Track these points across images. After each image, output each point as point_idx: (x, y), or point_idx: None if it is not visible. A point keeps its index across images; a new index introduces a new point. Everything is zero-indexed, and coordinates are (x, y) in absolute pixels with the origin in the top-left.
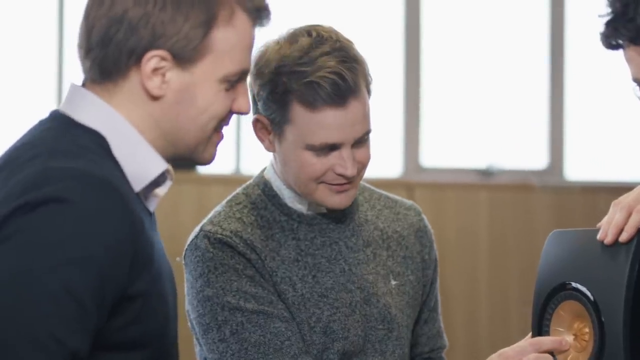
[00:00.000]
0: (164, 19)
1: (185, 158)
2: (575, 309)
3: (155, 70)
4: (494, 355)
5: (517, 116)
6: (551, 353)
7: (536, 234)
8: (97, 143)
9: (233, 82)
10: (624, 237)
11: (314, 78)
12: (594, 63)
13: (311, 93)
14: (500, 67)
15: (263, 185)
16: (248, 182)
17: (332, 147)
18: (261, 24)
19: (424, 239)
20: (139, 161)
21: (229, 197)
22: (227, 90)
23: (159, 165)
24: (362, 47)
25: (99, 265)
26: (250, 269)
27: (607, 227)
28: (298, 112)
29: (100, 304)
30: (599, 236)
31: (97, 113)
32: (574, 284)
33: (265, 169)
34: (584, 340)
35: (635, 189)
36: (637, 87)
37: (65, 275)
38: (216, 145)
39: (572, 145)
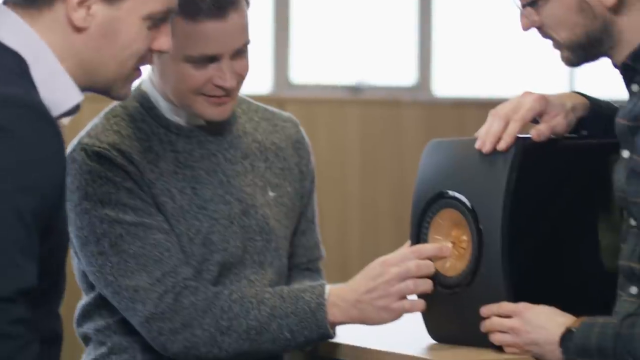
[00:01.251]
0: None
1: (100, 92)
2: (453, 217)
3: (81, 2)
4: (374, 263)
5: (386, 33)
6: (431, 260)
7: (406, 149)
8: (16, 64)
9: (157, 20)
10: (501, 146)
11: None
12: None
13: (191, 5)
14: None
15: (140, 98)
16: None
17: (211, 59)
18: None
19: (301, 150)
20: (57, 89)
21: (106, 110)
22: (149, 28)
23: (76, 96)
24: None
25: (42, 194)
26: (128, 181)
27: (485, 136)
28: (177, 23)
29: (39, 233)
30: (477, 145)
31: (18, 34)
32: (452, 193)
33: (142, 81)
34: (462, 248)
35: (511, 99)
36: None
37: (14, 202)
38: (132, 82)
39: (440, 62)
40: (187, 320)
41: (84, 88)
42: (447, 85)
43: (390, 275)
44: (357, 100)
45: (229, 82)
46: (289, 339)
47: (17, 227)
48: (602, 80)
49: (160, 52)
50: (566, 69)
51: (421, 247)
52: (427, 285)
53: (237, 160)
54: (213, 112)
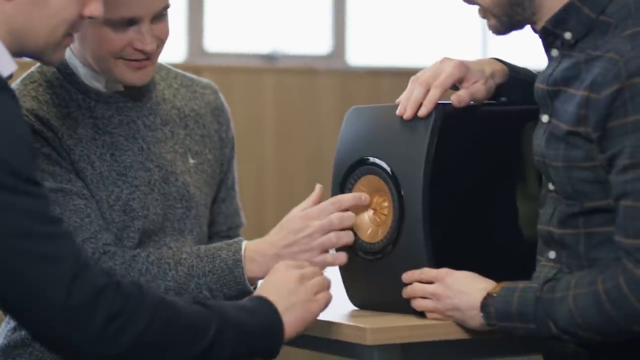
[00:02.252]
0: None
1: (31, 57)
2: (374, 183)
3: None
4: (293, 217)
5: (300, 1)
6: (351, 229)
7: (321, 117)
8: None
9: None
10: (422, 112)
11: None
12: None
13: None
14: None
15: (59, 64)
16: None
17: (131, 22)
18: None
19: (221, 117)
20: None
21: (23, 76)
22: None
23: (10, 65)
24: None
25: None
26: (46, 147)
27: (406, 103)
28: None
29: None
30: (397, 111)
31: None
32: (372, 159)
33: None
34: (383, 214)
35: (432, 66)
36: None
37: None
38: (64, 49)
39: (355, 31)
40: None
41: (14, 54)
42: (362, 53)
43: (312, 228)
44: (272, 69)
45: (149, 46)
46: (208, 298)
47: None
48: (515, 49)
49: (91, 19)
50: (479, 37)
51: (341, 198)
52: (349, 237)
53: (157, 127)
54: (133, 76)
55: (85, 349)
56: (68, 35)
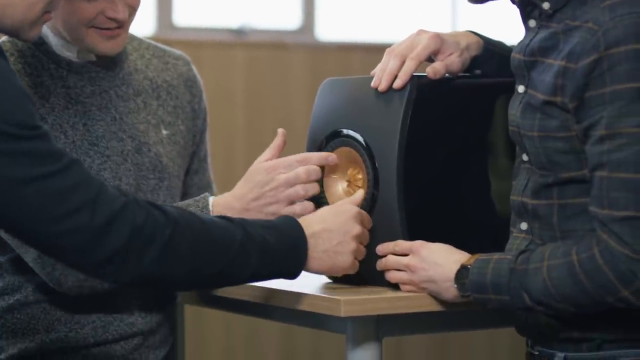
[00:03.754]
0: None
1: (8, 33)
2: (349, 155)
3: None
4: (259, 170)
5: None
6: (325, 201)
7: (292, 92)
8: None
9: None
10: (397, 84)
11: None
12: None
13: None
14: None
15: None
16: None
17: None
18: None
19: (193, 88)
20: None
21: None
22: None
23: None
24: None
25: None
26: None
27: (381, 74)
28: None
29: None
30: (372, 83)
31: None
32: (347, 131)
33: None
34: (358, 186)
35: (407, 38)
36: None
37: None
38: (42, 25)
39: (325, 5)
40: None
41: None
42: (331, 28)
43: (278, 181)
44: (241, 43)
45: (121, 14)
46: None
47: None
48: (484, 25)
49: None
50: (449, 11)
51: (308, 156)
52: (315, 189)
53: (130, 97)
54: (106, 45)
55: (115, 266)
56: (46, 12)
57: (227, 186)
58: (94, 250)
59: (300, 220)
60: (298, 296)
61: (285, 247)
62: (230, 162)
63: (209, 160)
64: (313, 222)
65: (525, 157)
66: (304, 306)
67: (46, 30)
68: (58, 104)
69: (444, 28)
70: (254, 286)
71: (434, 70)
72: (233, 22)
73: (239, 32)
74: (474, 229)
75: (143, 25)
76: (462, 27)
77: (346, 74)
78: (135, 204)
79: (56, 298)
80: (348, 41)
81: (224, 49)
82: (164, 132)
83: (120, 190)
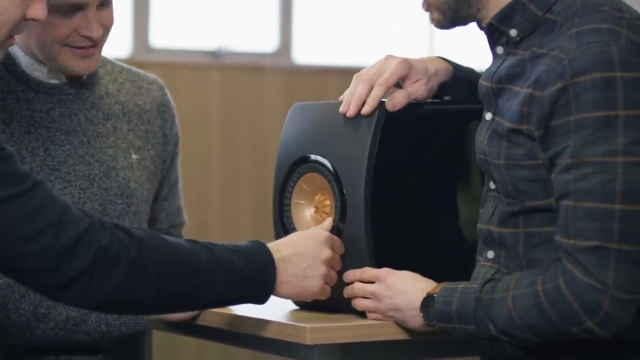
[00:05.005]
0: None
1: None
2: (316, 181)
3: None
4: None
5: None
6: (292, 227)
7: (267, 115)
8: None
9: None
10: (366, 110)
11: None
12: None
13: None
14: None
15: None
16: None
17: (77, 8)
18: None
19: (166, 113)
20: None
21: None
22: None
23: None
24: None
25: None
26: None
27: (349, 100)
28: None
29: None
30: (340, 109)
31: None
32: (315, 157)
33: None
34: (325, 213)
35: (376, 63)
36: None
37: None
38: (6, 49)
39: (302, 28)
40: None
41: None
42: (308, 51)
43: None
44: (218, 65)
45: (95, 32)
46: None
47: None
48: (461, 50)
49: (35, 21)
50: (426, 36)
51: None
52: None
53: (99, 121)
54: (79, 65)
55: (79, 288)
56: (10, 37)
57: (201, 208)
58: (59, 271)
59: (270, 245)
60: (265, 323)
61: (253, 271)
62: (205, 185)
63: (180, 186)
64: (282, 247)
65: (492, 185)
66: (271, 333)
67: (17, 50)
68: (19, 128)
69: (421, 51)
70: (222, 312)
71: (393, 103)
72: (210, 44)
73: (216, 54)
74: (443, 256)
75: (119, 46)
76: (439, 50)
77: (322, 97)
78: (100, 226)
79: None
80: (324, 64)
81: (200, 71)
82: (134, 156)
83: (84, 211)
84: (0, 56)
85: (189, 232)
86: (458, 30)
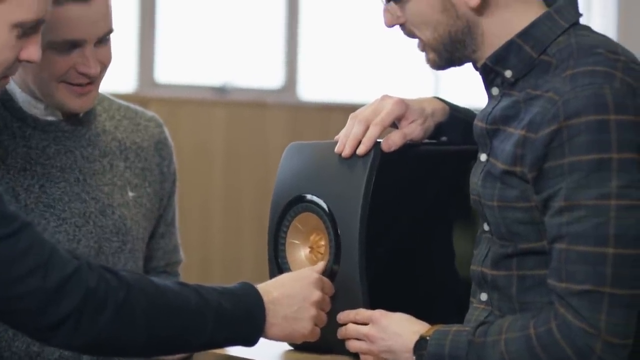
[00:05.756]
0: None
1: None
2: (311, 221)
3: None
4: None
5: (253, 34)
6: (287, 267)
7: (271, 151)
8: None
9: (27, 29)
10: (361, 150)
11: None
12: None
13: None
14: None
15: None
16: None
17: (75, 45)
18: None
19: (163, 151)
20: None
21: None
22: (18, 37)
23: None
24: None
25: None
26: None
27: (345, 140)
28: None
29: None
30: (336, 149)
31: None
32: (310, 197)
33: None
34: (320, 253)
35: (372, 103)
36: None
37: None
38: (2, 88)
39: (307, 65)
40: None
41: None
42: (313, 88)
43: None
44: (222, 102)
45: (93, 69)
46: None
47: None
48: (466, 89)
49: (29, 62)
50: (432, 75)
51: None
52: None
53: (95, 158)
54: (76, 102)
55: (68, 329)
56: (3, 77)
57: (204, 245)
58: (46, 313)
59: (259, 287)
60: None
61: (242, 313)
62: (207, 220)
63: (177, 224)
64: (272, 288)
65: (486, 227)
66: None
67: (14, 87)
68: (15, 165)
69: (426, 90)
70: (215, 352)
71: (388, 143)
72: (215, 80)
73: (221, 90)
74: (438, 296)
75: (124, 81)
76: (444, 89)
77: (326, 134)
78: (88, 267)
79: None
80: (329, 101)
81: (205, 107)
82: (130, 194)
83: (72, 253)
84: None
85: (191, 268)
86: (463, 68)
